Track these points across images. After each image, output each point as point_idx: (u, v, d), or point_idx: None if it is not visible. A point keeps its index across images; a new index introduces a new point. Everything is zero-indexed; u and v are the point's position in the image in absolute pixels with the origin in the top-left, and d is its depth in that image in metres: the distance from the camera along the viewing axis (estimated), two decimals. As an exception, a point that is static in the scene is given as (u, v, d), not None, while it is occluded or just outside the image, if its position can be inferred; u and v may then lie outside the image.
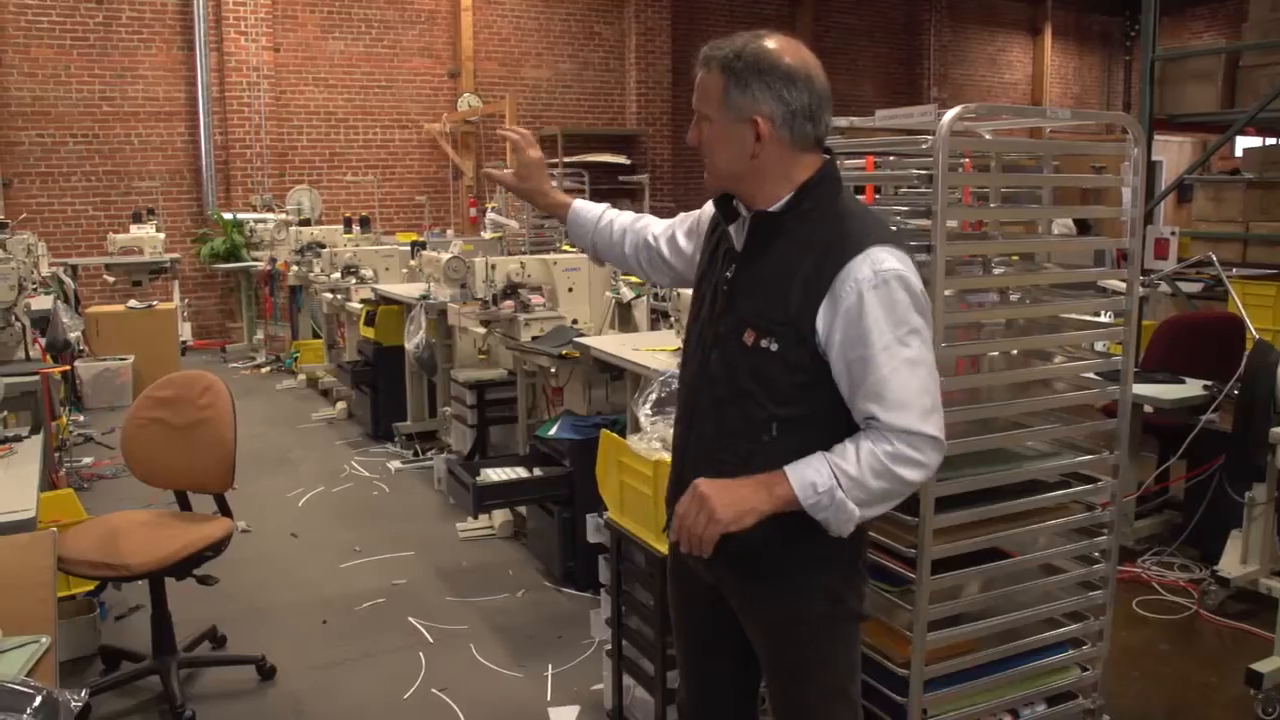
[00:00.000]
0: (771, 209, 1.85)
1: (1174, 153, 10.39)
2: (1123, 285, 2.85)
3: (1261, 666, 3.26)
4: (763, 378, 1.81)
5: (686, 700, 2.22)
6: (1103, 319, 3.51)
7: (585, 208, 2.32)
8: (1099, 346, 3.09)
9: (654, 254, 2.25)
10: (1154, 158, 9.17)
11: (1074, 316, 2.82)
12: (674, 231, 2.22)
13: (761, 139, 1.81)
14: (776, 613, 1.94)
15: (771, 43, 1.81)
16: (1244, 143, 7.92)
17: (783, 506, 1.75)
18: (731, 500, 1.74)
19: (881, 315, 1.73)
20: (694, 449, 1.94)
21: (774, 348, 1.79)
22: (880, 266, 1.74)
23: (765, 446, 1.81)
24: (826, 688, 1.95)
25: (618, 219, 2.30)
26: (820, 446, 1.77)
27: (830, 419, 1.81)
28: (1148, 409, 4.35)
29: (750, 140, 1.81)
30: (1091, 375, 2.80)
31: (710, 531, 1.73)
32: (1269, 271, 6.19)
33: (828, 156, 1.88)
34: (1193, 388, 4.32)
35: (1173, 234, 5.59)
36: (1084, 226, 6.70)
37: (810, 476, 1.73)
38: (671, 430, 2.74)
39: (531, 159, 2.25)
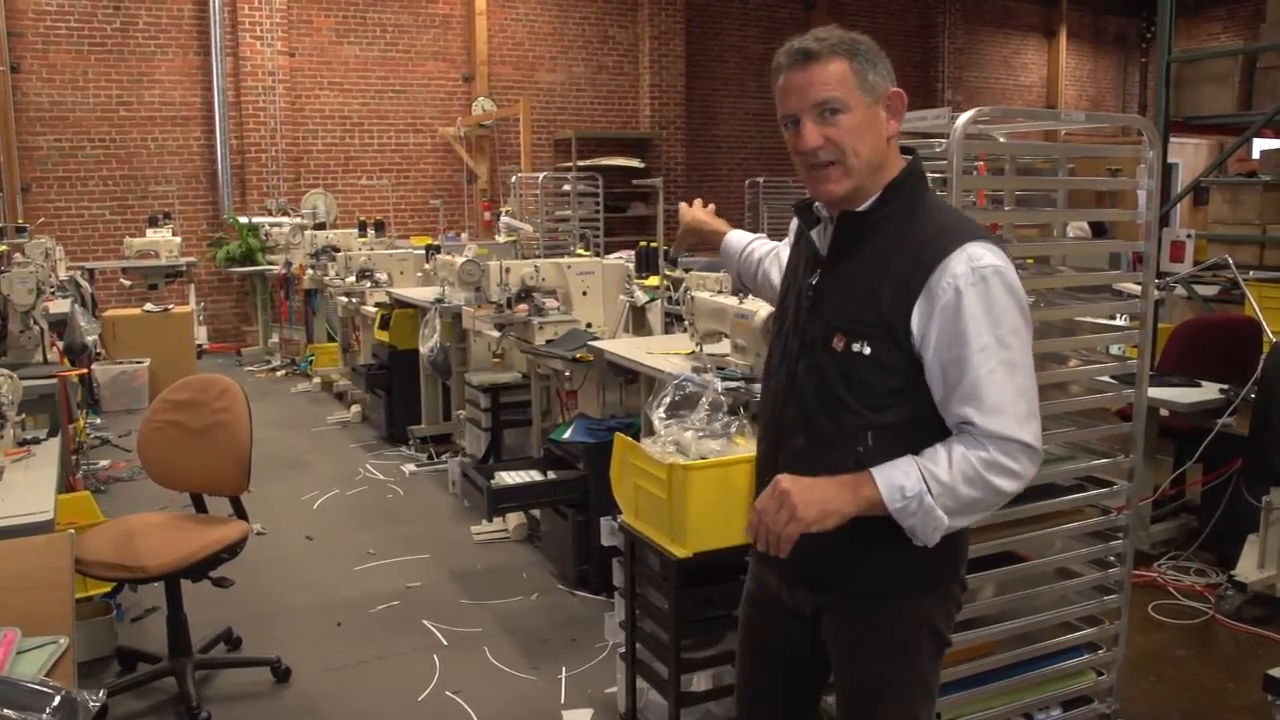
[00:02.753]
0: (860, 209, 1.77)
1: (1190, 155, 10.36)
2: (1138, 288, 2.84)
3: (1279, 672, 3.24)
4: (855, 383, 1.72)
5: None
6: (1118, 322, 3.49)
7: (733, 240, 2.37)
8: (1114, 350, 3.08)
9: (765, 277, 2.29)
10: (1170, 160, 9.15)
11: (1089, 320, 2.81)
12: (777, 250, 2.25)
13: (895, 117, 1.76)
14: (859, 631, 1.84)
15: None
16: (1261, 144, 7.88)
17: (868, 510, 1.66)
18: (815, 499, 1.64)
19: (980, 313, 1.65)
20: (784, 464, 1.79)
21: (866, 351, 1.70)
22: (979, 263, 1.66)
23: (860, 457, 1.71)
24: (897, 712, 1.86)
25: (759, 248, 2.32)
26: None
27: (927, 427, 1.72)
28: (1163, 412, 4.33)
29: (884, 122, 1.75)
30: (1107, 378, 2.79)
31: (790, 530, 1.63)
32: (1286, 274, 6.16)
33: (910, 156, 1.82)
34: (1209, 391, 4.30)
35: (1189, 236, 5.57)
36: (1099, 229, 6.68)
37: (898, 480, 1.65)
38: (687, 434, 2.77)
39: (686, 227, 2.42)
